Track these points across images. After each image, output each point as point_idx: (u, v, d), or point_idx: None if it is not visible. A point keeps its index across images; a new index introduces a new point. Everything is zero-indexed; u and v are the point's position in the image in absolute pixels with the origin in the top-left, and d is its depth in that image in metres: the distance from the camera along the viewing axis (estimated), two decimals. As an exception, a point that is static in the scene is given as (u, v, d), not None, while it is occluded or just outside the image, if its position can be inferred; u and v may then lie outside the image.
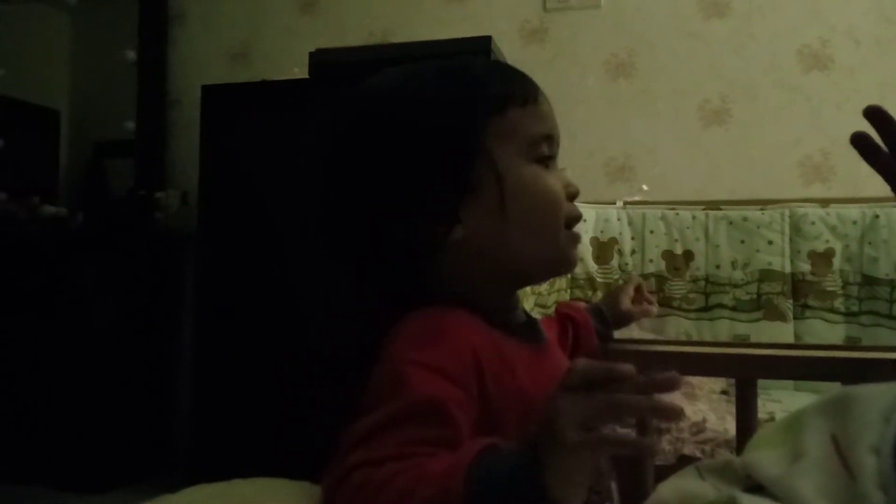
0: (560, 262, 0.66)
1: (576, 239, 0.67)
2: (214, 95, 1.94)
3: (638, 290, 0.97)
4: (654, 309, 0.93)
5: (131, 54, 2.52)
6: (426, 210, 0.59)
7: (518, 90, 0.63)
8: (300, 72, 1.92)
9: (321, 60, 1.87)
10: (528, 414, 0.55)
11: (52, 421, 2.15)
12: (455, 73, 0.64)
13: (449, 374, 0.54)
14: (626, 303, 0.94)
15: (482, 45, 1.74)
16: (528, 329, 0.68)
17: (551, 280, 1.64)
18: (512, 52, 2.15)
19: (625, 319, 0.95)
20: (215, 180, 1.93)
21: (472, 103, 0.61)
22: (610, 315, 0.93)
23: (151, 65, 2.55)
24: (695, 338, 1.82)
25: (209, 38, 2.56)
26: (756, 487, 0.48)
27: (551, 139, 0.65)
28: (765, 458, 0.47)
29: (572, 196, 0.66)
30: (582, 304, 0.96)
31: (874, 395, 0.44)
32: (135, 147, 2.52)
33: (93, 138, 2.62)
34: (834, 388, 0.59)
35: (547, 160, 0.64)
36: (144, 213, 2.38)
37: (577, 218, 0.66)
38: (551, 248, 0.64)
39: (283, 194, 1.84)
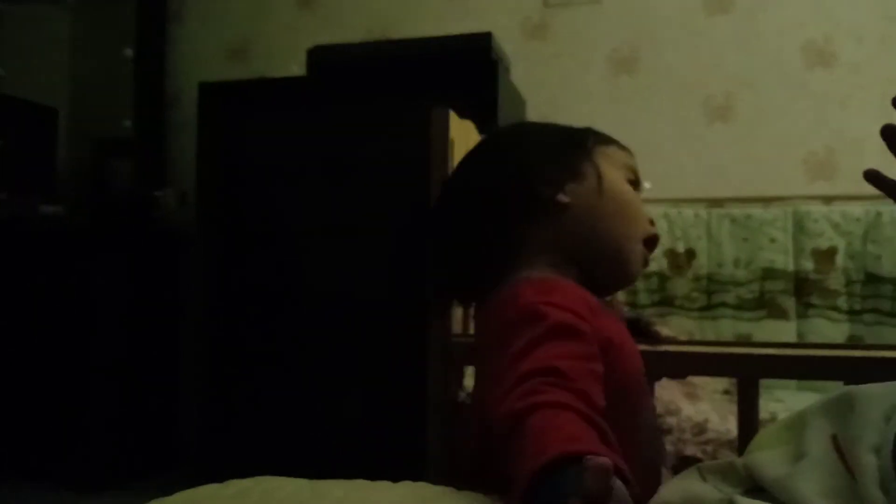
0: (628, 263, 0.79)
1: (646, 257, 0.80)
2: (212, 93, 1.93)
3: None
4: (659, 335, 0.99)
5: (129, 52, 2.52)
6: (544, 177, 0.78)
7: (616, 140, 0.85)
8: (298, 69, 1.91)
9: (320, 57, 1.86)
10: (616, 356, 0.67)
11: (53, 419, 2.15)
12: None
13: (576, 312, 0.65)
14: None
15: (482, 41, 1.73)
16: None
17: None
18: (513, 48, 2.14)
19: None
20: (214, 178, 1.92)
21: (589, 133, 0.85)
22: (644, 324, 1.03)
23: (150, 63, 2.55)
24: (697, 337, 1.81)
25: (207, 36, 2.56)
26: (758, 488, 0.48)
27: (636, 175, 0.84)
28: (766, 458, 0.46)
29: (650, 220, 0.81)
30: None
31: (875, 395, 0.43)
32: (133, 145, 2.52)
33: (91, 137, 2.61)
34: (837, 387, 0.58)
35: (634, 185, 0.82)
36: (143, 212, 2.38)
37: (655, 238, 0.82)
38: (629, 243, 0.78)
39: (282, 191, 1.84)
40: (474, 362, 0.84)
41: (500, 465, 0.56)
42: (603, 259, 0.78)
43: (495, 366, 0.62)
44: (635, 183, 0.83)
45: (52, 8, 2.62)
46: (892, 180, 0.74)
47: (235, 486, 0.64)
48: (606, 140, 0.84)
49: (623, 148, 0.85)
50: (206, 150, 1.92)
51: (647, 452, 0.72)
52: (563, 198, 0.77)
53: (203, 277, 1.92)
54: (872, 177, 0.74)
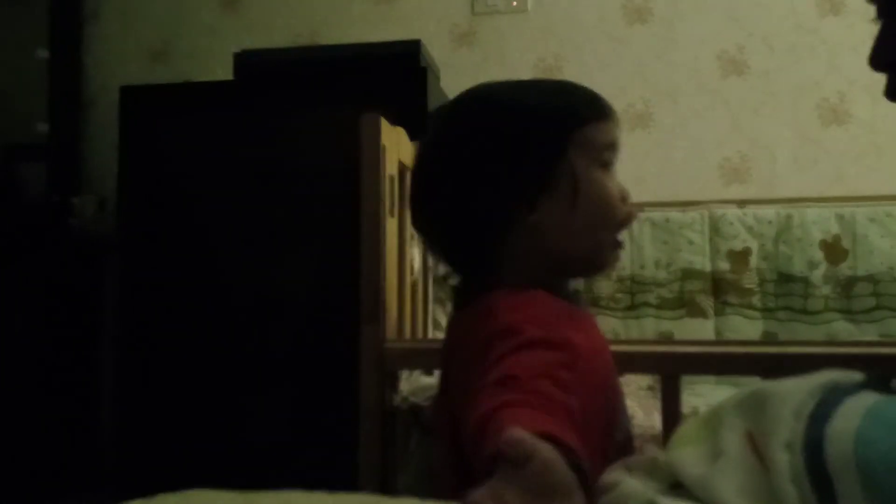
0: (599, 262, 0.79)
1: (617, 245, 0.79)
2: (134, 96, 1.87)
3: None
4: None
5: (44, 53, 2.42)
6: (513, 193, 0.74)
7: (596, 109, 0.78)
8: (224, 72, 1.88)
9: (247, 61, 1.82)
10: (585, 365, 0.67)
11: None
12: (552, 91, 0.82)
13: (549, 324, 0.68)
14: None
15: (411, 48, 1.74)
16: (576, 299, 0.82)
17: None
18: (442, 55, 2.15)
19: None
20: (134, 185, 1.85)
21: (563, 118, 0.76)
22: None
23: (65, 64, 2.44)
24: (622, 336, 1.87)
25: (127, 36, 2.47)
26: (681, 483, 0.49)
27: (614, 147, 0.79)
28: (686, 456, 0.48)
29: (624, 197, 0.78)
30: None
31: (786, 391, 0.45)
32: (48, 150, 2.41)
33: (2, 141, 2.49)
34: (754, 381, 0.60)
35: (608, 165, 0.78)
36: (58, 220, 2.28)
37: (630, 217, 0.79)
38: (602, 246, 0.78)
39: (208, 197, 1.79)
40: (445, 370, 0.83)
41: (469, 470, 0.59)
42: (576, 262, 0.79)
43: (472, 382, 0.64)
44: (612, 154, 0.79)
45: (-44, 5, 2.49)
46: None
47: (164, 501, 0.62)
48: (586, 118, 0.77)
49: (602, 116, 0.78)
50: (127, 156, 1.86)
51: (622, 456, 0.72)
52: (534, 218, 0.74)
53: (124, 286, 1.86)
54: None
